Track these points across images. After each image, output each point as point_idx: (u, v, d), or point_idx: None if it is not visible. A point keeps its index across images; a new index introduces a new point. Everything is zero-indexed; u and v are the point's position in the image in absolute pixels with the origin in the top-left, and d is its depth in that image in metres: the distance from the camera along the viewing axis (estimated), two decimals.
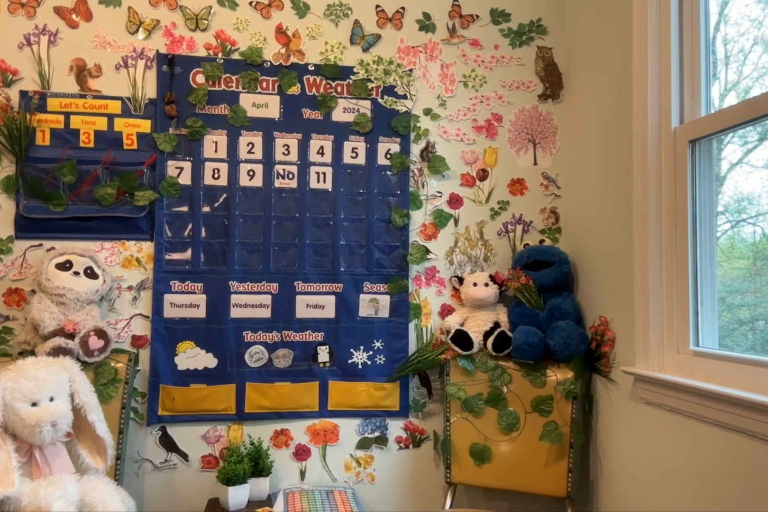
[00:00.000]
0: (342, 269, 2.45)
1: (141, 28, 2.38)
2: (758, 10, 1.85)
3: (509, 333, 2.33)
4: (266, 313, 2.40)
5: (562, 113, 2.61)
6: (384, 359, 2.45)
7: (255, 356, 2.39)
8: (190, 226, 2.37)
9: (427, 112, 2.53)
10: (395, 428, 2.47)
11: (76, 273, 2.17)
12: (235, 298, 2.38)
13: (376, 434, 2.46)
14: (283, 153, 2.44)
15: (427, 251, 2.51)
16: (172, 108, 2.35)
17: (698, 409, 1.71)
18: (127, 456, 2.27)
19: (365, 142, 2.48)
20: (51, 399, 1.87)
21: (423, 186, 2.52)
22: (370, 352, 2.45)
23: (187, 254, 2.36)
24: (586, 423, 2.33)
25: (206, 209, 2.38)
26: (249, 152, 2.41)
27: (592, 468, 2.33)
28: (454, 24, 2.57)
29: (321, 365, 2.42)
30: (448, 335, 2.38)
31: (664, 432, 1.88)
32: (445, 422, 2.36)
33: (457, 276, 2.48)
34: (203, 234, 2.37)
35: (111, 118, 2.33)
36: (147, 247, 2.35)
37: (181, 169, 2.37)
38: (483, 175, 2.56)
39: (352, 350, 2.44)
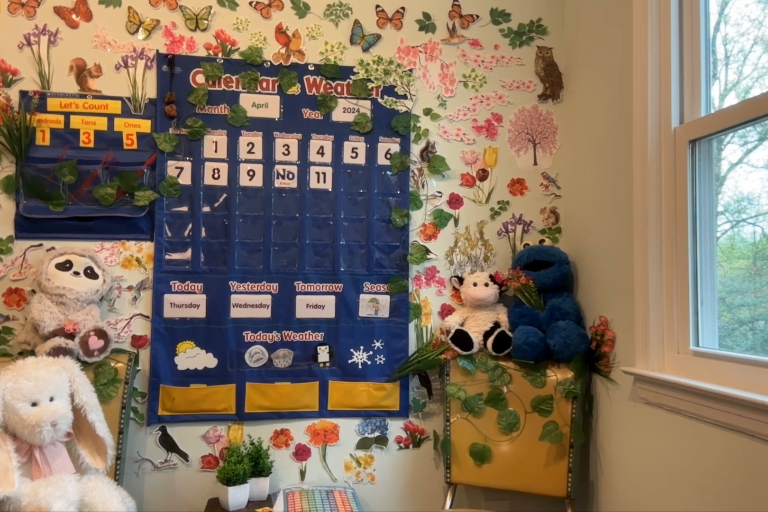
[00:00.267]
0: (342, 269, 2.45)
1: (141, 28, 2.38)
2: (758, 10, 1.85)
3: (509, 333, 2.33)
4: (266, 313, 2.40)
5: (562, 113, 2.61)
6: (384, 359, 2.45)
7: (255, 356, 2.39)
8: (190, 226, 2.37)
9: (427, 112, 2.53)
10: (395, 428, 2.47)
11: (76, 273, 2.17)
12: (235, 298, 2.38)
13: (376, 434, 2.46)
14: (283, 153, 2.44)
15: (427, 251, 2.51)
16: (172, 108, 2.35)
17: (698, 409, 1.71)
18: (127, 456, 2.27)
19: (365, 142, 2.48)
20: (51, 399, 1.87)
21: (423, 186, 2.52)
22: (370, 352, 2.45)
23: (187, 254, 2.36)
24: (586, 423, 2.33)
25: (206, 209, 2.38)
26: (249, 152, 2.41)
27: (592, 468, 2.33)
28: (454, 24, 2.57)
29: (321, 365, 2.42)
30: (448, 335, 2.38)
31: (664, 432, 1.88)
32: (445, 422, 2.36)
33: (457, 276, 2.48)
34: (203, 234, 2.37)
35: (111, 118, 2.33)
36: (147, 247, 2.35)
37: (181, 169, 2.37)
38: (483, 175, 2.56)
39: (352, 350, 2.44)
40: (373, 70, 2.49)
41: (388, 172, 2.49)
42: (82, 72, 2.33)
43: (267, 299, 2.40)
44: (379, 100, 2.49)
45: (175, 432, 2.34)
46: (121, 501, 1.91)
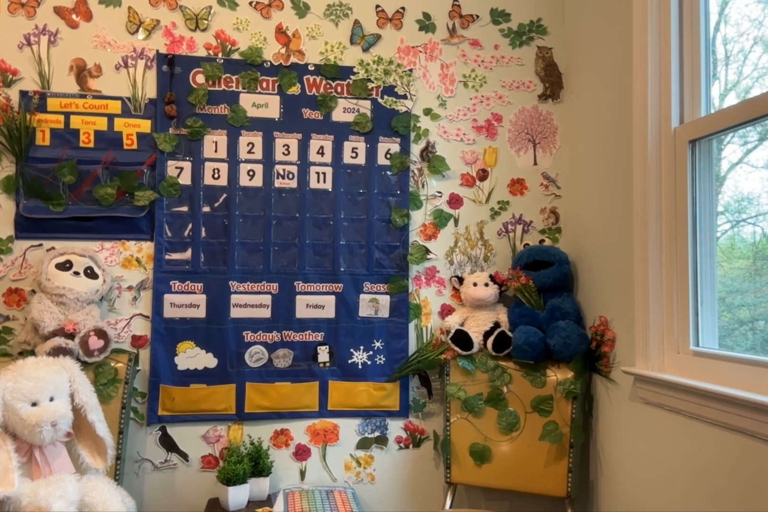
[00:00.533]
0: (342, 269, 2.45)
1: (141, 28, 2.38)
2: (758, 10, 1.85)
3: (509, 333, 2.33)
4: (266, 313, 2.40)
5: (562, 113, 2.61)
6: (384, 359, 2.45)
7: (255, 356, 2.39)
8: (190, 226, 2.37)
9: (427, 112, 2.53)
10: (395, 428, 2.47)
11: (76, 273, 2.17)
12: (235, 298, 2.38)
13: (376, 434, 2.46)
14: (283, 153, 2.44)
15: (427, 251, 2.51)
16: (172, 108, 2.35)
17: (698, 409, 1.71)
18: (127, 456, 2.27)
19: (365, 142, 2.48)
20: (51, 399, 1.87)
21: (423, 186, 2.52)
22: (370, 352, 2.45)
23: (187, 254, 2.36)
24: (586, 423, 2.33)
25: (206, 209, 2.38)
26: (249, 152, 2.41)
27: (592, 468, 2.33)
28: (454, 24, 2.57)
29: (321, 365, 2.42)
30: (448, 335, 2.38)
31: (664, 432, 1.88)
32: (445, 422, 2.36)
33: (457, 276, 2.48)
34: (203, 234, 2.37)
35: (111, 118, 2.33)
36: (147, 247, 2.35)
37: (181, 169, 2.37)
38: (483, 175, 2.56)
39: (352, 350, 2.44)
40: (373, 70, 2.49)
41: (388, 172, 2.49)
42: (82, 72, 2.33)
43: (267, 299, 2.40)
44: (379, 100, 2.49)
45: (175, 432, 2.34)
46: (121, 501, 1.91)
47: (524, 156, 2.59)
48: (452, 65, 2.56)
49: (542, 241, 2.55)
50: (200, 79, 2.39)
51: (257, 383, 2.38)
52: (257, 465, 2.27)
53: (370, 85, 2.49)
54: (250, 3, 2.44)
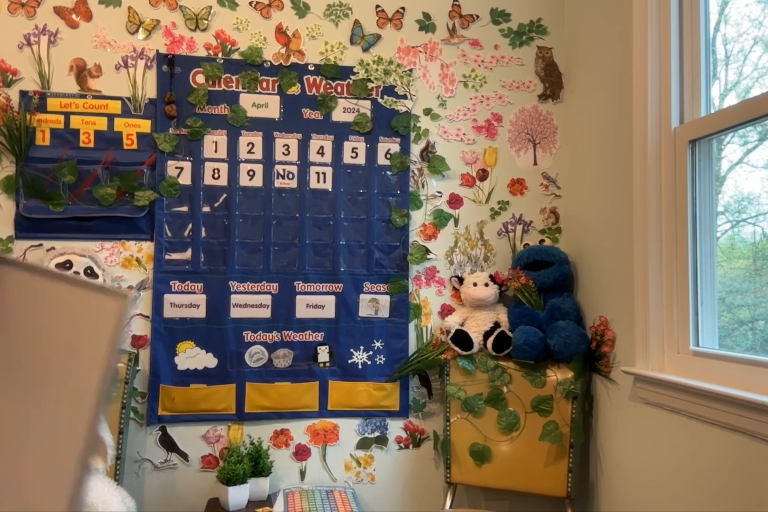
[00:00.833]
0: (342, 269, 2.45)
1: (141, 28, 2.38)
2: (758, 10, 1.85)
3: (509, 333, 2.33)
4: (266, 313, 2.40)
5: (562, 113, 2.61)
6: (384, 359, 2.45)
7: (255, 356, 2.39)
8: (190, 225, 2.37)
9: (427, 112, 2.53)
10: (395, 428, 2.47)
11: (76, 273, 2.17)
12: (235, 298, 2.38)
13: (376, 434, 2.46)
14: (283, 153, 2.44)
15: (427, 251, 2.51)
16: (172, 108, 2.35)
17: (698, 409, 1.71)
18: (127, 456, 2.27)
19: (365, 142, 2.48)
20: None
21: (423, 186, 2.52)
22: (370, 352, 2.45)
23: (187, 254, 2.36)
24: (586, 423, 2.33)
25: (206, 209, 2.38)
26: (249, 152, 2.42)
27: (592, 468, 2.33)
28: (454, 24, 2.57)
29: (321, 365, 2.42)
30: (448, 335, 2.38)
31: (664, 432, 1.88)
32: (445, 422, 2.36)
33: (457, 276, 2.48)
34: (203, 234, 2.37)
35: (111, 118, 2.33)
36: (147, 247, 2.35)
37: (181, 169, 2.37)
38: (483, 175, 2.56)
39: (352, 350, 2.44)
40: (373, 70, 2.49)
41: (388, 172, 2.49)
42: (82, 72, 2.33)
43: (267, 299, 2.40)
44: (379, 100, 2.49)
45: (175, 432, 2.34)
46: (121, 501, 1.91)
47: (524, 156, 2.59)
48: (452, 65, 2.56)
49: (542, 241, 2.55)
50: (200, 79, 2.39)
51: (257, 383, 2.38)
52: (257, 465, 2.27)
53: (370, 85, 2.49)
54: (250, 3, 2.44)
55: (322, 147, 2.46)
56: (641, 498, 2.00)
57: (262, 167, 2.42)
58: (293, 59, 2.46)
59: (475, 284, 2.41)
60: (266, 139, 2.43)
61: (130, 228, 2.33)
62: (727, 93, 1.94)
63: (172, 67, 2.38)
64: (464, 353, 2.36)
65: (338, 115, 2.47)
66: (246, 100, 2.42)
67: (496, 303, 2.45)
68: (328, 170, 2.46)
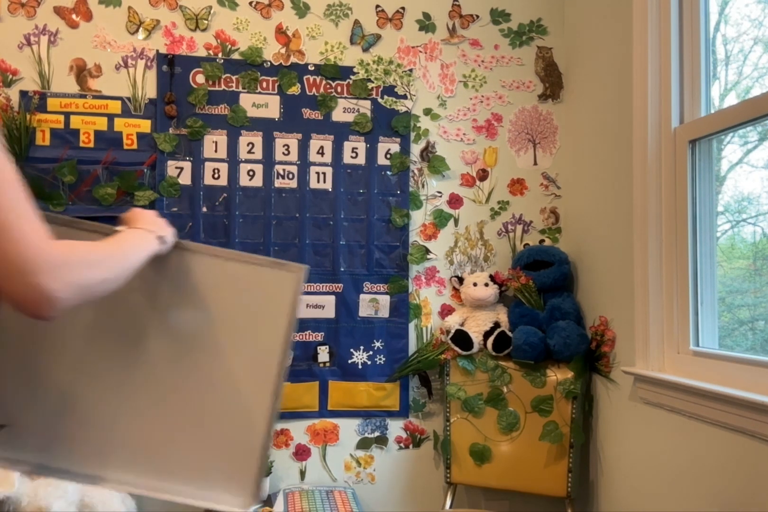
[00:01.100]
0: (342, 269, 2.45)
1: (141, 28, 2.38)
2: (758, 10, 1.85)
3: (509, 333, 2.33)
4: None
5: (562, 113, 2.61)
6: (384, 359, 2.45)
7: None
8: (189, 225, 2.37)
9: (427, 112, 2.53)
10: (395, 428, 2.47)
11: None
12: None
13: (376, 434, 2.46)
14: (283, 153, 2.44)
15: (427, 251, 2.51)
16: (172, 108, 2.35)
17: (698, 409, 1.71)
18: None
19: (365, 142, 2.48)
20: None
21: (423, 186, 2.52)
22: (370, 352, 2.45)
23: None
24: (586, 423, 2.33)
25: (206, 209, 2.38)
26: (249, 152, 2.41)
27: (592, 468, 2.33)
28: (454, 24, 2.57)
29: (321, 365, 2.42)
30: (448, 335, 2.38)
31: (664, 432, 1.88)
32: (445, 422, 2.36)
33: (457, 276, 2.48)
34: (203, 234, 2.37)
35: (111, 118, 2.33)
36: None
37: (181, 169, 2.37)
38: (483, 175, 2.56)
39: (352, 350, 2.44)
40: (373, 70, 2.49)
41: (388, 172, 2.49)
42: (82, 72, 2.33)
43: None
44: (379, 100, 2.49)
45: None
46: (121, 501, 1.91)
47: (524, 156, 2.59)
48: (452, 65, 2.56)
49: (542, 241, 2.55)
50: (200, 79, 2.39)
51: None
52: None
53: (370, 85, 2.49)
54: (250, 3, 2.44)
55: (322, 147, 2.46)
56: (641, 497, 2.00)
57: (262, 167, 2.42)
58: (293, 59, 2.46)
59: (475, 284, 2.41)
60: (266, 139, 2.43)
61: None
62: (727, 93, 1.94)
63: (172, 67, 2.38)
64: (464, 353, 2.36)
65: (338, 115, 2.47)
66: (246, 100, 2.42)
67: (496, 303, 2.45)
68: (328, 170, 2.46)
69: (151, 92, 2.36)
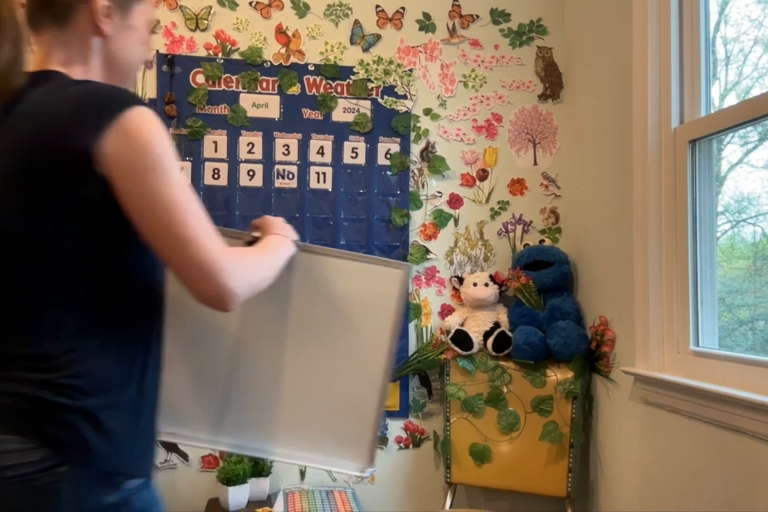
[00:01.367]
0: None
1: None
2: (758, 10, 1.85)
3: (509, 333, 2.33)
4: None
5: (562, 113, 2.61)
6: None
7: None
8: None
9: (427, 112, 2.53)
10: (395, 428, 2.47)
11: None
12: None
13: None
14: (283, 153, 2.44)
15: (427, 251, 2.51)
16: (172, 108, 2.35)
17: (698, 409, 1.71)
18: None
19: (365, 142, 2.48)
20: None
21: (423, 186, 2.52)
22: None
23: None
24: (586, 423, 2.33)
25: (206, 209, 2.38)
26: (249, 152, 2.41)
27: (592, 468, 2.33)
28: (454, 24, 2.57)
29: None
30: (448, 335, 2.38)
31: (664, 432, 1.88)
32: (445, 422, 2.36)
33: (457, 277, 2.48)
34: None
35: None
36: None
37: (181, 169, 2.37)
38: (483, 175, 2.56)
39: None
40: (373, 70, 2.49)
41: (388, 172, 2.49)
42: None
43: None
44: (379, 100, 2.49)
45: None
46: None
47: (524, 156, 2.59)
48: (452, 65, 2.56)
49: (542, 241, 2.55)
50: (200, 79, 2.39)
51: None
52: (257, 465, 2.27)
53: (370, 85, 2.49)
54: (250, 3, 2.44)
55: (322, 147, 2.46)
56: (641, 498, 2.00)
57: (262, 167, 2.42)
58: (293, 59, 2.46)
59: (475, 284, 2.41)
60: (266, 139, 2.43)
61: None
62: (727, 93, 1.94)
63: (172, 67, 2.38)
64: (464, 353, 2.36)
65: (338, 115, 2.47)
66: (246, 100, 2.42)
67: (496, 303, 2.45)
68: (328, 170, 2.46)
69: (151, 92, 2.36)
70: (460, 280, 2.46)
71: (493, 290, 2.40)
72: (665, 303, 1.93)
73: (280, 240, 1.19)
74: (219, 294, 0.90)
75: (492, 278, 2.43)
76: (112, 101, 0.89)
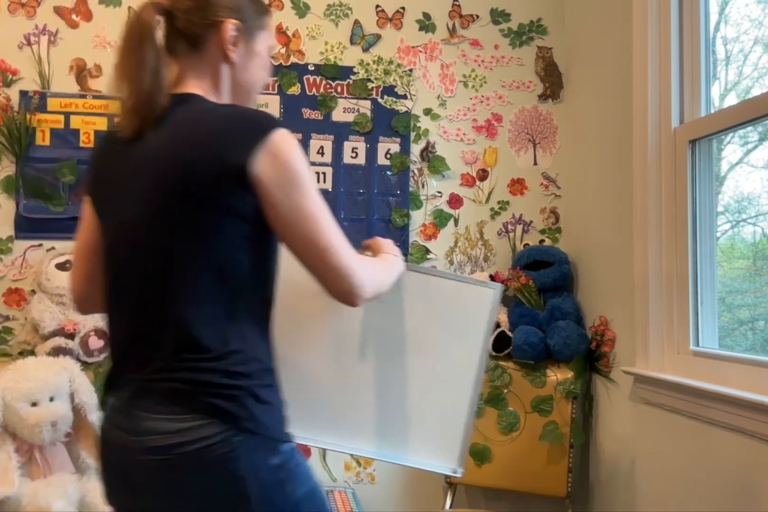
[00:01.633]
0: None
1: None
2: (758, 10, 1.85)
3: (509, 333, 2.33)
4: None
5: (562, 113, 2.61)
6: None
7: None
8: None
9: (427, 112, 2.53)
10: None
11: None
12: None
13: None
14: None
15: (427, 251, 2.51)
16: None
17: (698, 409, 1.71)
18: None
19: (365, 142, 2.48)
20: (51, 399, 1.87)
21: (423, 186, 2.52)
22: None
23: None
24: (586, 423, 2.33)
25: None
26: None
27: (592, 468, 2.33)
28: (454, 24, 2.57)
29: None
30: None
31: (664, 432, 1.88)
32: None
33: None
34: None
35: (111, 118, 2.33)
36: None
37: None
38: (483, 175, 2.56)
39: None
40: (373, 70, 2.49)
41: (388, 172, 2.49)
42: (82, 72, 2.33)
43: None
44: (379, 100, 2.49)
45: None
46: None
47: (524, 156, 2.59)
48: (452, 65, 2.56)
49: (542, 240, 2.55)
50: None
51: None
52: None
53: (370, 85, 2.49)
54: None
55: (322, 147, 2.46)
56: (641, 498, 2.00)
57: None
58: (293, 59, 2.46)
59: None
60: None
61: None
62: (727, 93, 1.94)
63: None
64: None
65: (338, 115, 2.47)
66: None
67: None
68: (328, 170, 2.46)
69: None
70: None
71: None
72: (665, 303, 1.93)
73: (395, 258, 1.38)
74: (350, 292, 1.06)
75: (492, 278, 2.42)
76: (261, 123, 1.02)
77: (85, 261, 1.17)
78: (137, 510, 1.04)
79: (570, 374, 2.26)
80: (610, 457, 2.20)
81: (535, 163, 2.60)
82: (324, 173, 2.45)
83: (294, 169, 1.02)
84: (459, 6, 2.57)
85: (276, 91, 2.44)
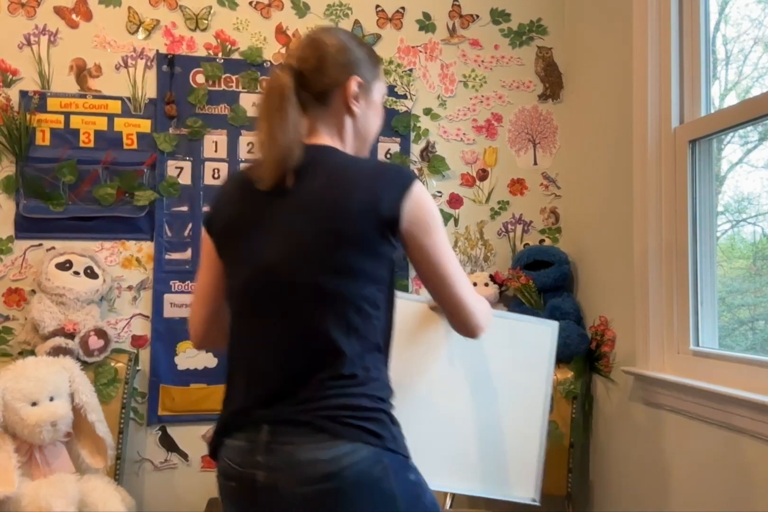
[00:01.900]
0: None
1: (141, 28, 2.37)
2: (758, 10, 1.85)
3: None
4: None
5: (562, 113, 2.61)
6: None
7: None
8: (190, 225, 2.37)
9: (427, 112, 2.53)
10: None
11: (76, 273, 2.17)
12: None
13: None
14: None
15: None
16: (172, 108, 2.35)
17: (698, 409, 1.71)
18: (127, 456, 2.27)
19: None
20: (51, 399, 1.87)
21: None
22: None
23: (188, 254, 2.36)
24: (586, 423, 2.33)
25: (206, 209, 2.38)
26: (249, 152, 2.41)
27: (592, 468, 2.33)
28: (454, 24, 2.57)
29: None
30: None
31: (664, 431, 1.88)
32: None
33: None
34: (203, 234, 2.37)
35: (111, 117, 2.33)
36: (147, 247, 2.34)
37: (181, 168, 2.37)
38: (483, 175, 2.56)
39: None
40: None
41: None
42: (82, 72, 2.33)
43: None
44: None
45: (175, 432, 2.34)
46: (121, 501, 1.91)
47: (524, 156, 2.59)
48: (452, 65, 2.56)
49: (542, 240, 2.55)
50: (200, 79, 2.39)
51: None
52: None
53: None
54: (250, 3, 2.44)
55: None
56: (641, 498, 2.00)
57: None
58: None
59: (475, 284, 2.41)
60: None
61: (130, 228, 2.33)
62: (727, 93, 1.94)
63: (172, 67, 2.37)
64: None
65: None
66: (246, 100, 2.42)
67: (496, 303, 2.45)
68: None
69: (151, 92, 2.36)
70: None
71: (493, 290, 2.40)
72: (665, 303, 1.93)
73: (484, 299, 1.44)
74: (474, 327, 1.22)
75: (492, 278, 2.43)
76: (404, 176, 1.14)
77: (208, 301, 1.23)
78: None
79: (570, 374, 2.26)
80: (610, 457, 2.20)
81: (535, 163, 2.60)
82: None
83: (432, 215, 1.20)
84: (459, 6, 2.57)
85: None
